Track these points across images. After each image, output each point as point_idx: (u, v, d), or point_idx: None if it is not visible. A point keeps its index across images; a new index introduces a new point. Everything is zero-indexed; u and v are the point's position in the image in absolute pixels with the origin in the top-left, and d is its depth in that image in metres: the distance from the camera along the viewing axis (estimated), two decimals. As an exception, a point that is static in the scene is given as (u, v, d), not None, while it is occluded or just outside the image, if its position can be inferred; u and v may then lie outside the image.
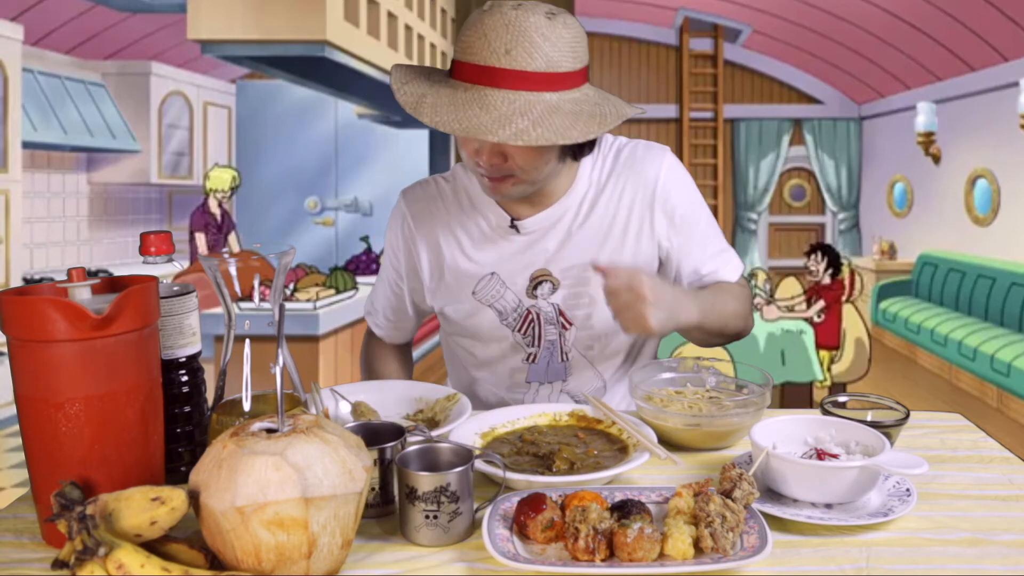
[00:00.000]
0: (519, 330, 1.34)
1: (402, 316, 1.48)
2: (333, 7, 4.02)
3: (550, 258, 1.31)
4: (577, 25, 1.13)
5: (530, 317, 1.33)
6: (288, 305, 3.86)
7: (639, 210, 1.30)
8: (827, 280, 4.95)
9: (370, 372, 1.52)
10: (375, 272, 5.48)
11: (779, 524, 0.87)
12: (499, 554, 0.78)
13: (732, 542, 0.79)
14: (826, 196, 8.85)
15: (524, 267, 1.32)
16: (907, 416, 1.07)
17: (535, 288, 1.32)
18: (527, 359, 1.36)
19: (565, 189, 1.30)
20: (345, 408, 1.19)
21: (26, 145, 5.86)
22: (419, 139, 8.38)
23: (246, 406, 0.89)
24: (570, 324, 1.33)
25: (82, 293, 0.86)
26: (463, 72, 1.12)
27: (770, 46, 8.32)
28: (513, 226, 1.31)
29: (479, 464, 0.95)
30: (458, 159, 1.28)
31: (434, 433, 1.03)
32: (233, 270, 0.87)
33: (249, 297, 0.89)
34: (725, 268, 1.35)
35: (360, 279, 4.92)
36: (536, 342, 1.34)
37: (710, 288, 1.32)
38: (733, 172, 8.89)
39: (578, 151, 1.26)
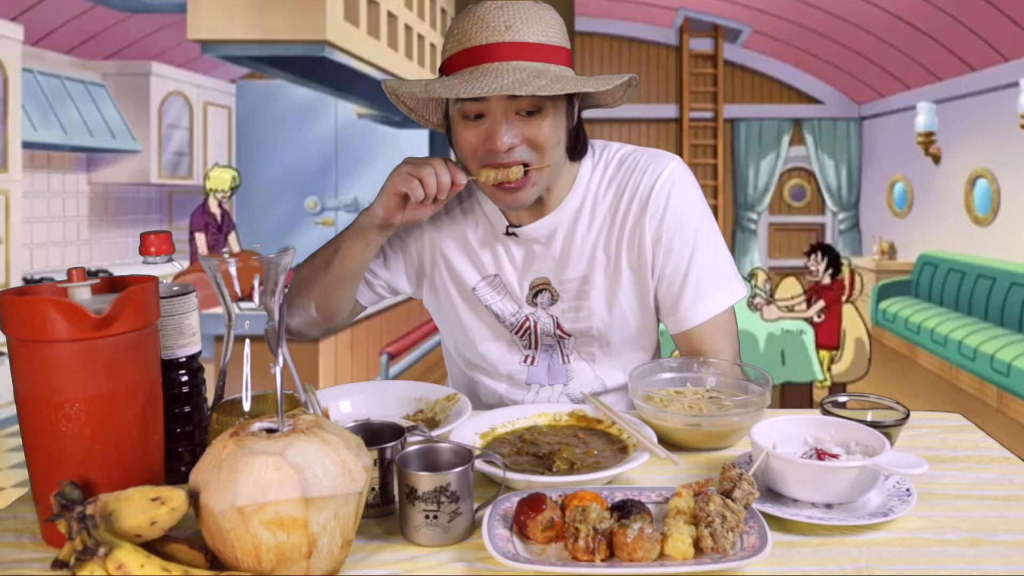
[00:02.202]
0: (516, 333, 1.34)
1: (369, 281, 1.38)
2: (333, 7, 4.02)
3: (550, 268, 1.30)
4: (558, 15, 1.19)
5: (527, 324, 1.33)
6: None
7: (633, 220, 1.27)
8: (827, 280, 4.94)
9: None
10: (375, 272, 5.46)
11: (779, 524, 0.87)
12: (499, 554, 0.78)
13: (732, 542, 0.79)
14: (826, 196, 8.85)
15: (525, 276, 1.31)
16: (907, 416, 1.07)
17: (535, 296, 1.31)
18: (525, 360, 1.35)
19: (563, 196, 1.29)
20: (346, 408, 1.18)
21: (26, 145, 5.85)
22: (419, 139, 8.38)
23: (246, 406, 0.89)
24: (567, 336, 1.33)
25: (82, 293, 0.86)
26: (463, 58, 1.13)
27: (770, 46, 8.32)
28: (510, 232, 1.30)
29: (479, 464, 0.95)
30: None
31: (434, 433, 1.03)
32: (233, 270, 0.87)
33: (249, 297, 0.89)
34: (701, 304, 1.27)
35: (360, 279, 4.90)
36: (533, 346, 1.34)
37: None
38: (733, 172, 8.89)
39: (574, 151, 1.26)
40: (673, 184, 1.26)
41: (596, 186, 1.30)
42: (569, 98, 1.21)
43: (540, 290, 1.31)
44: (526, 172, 1.17)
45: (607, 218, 1.29)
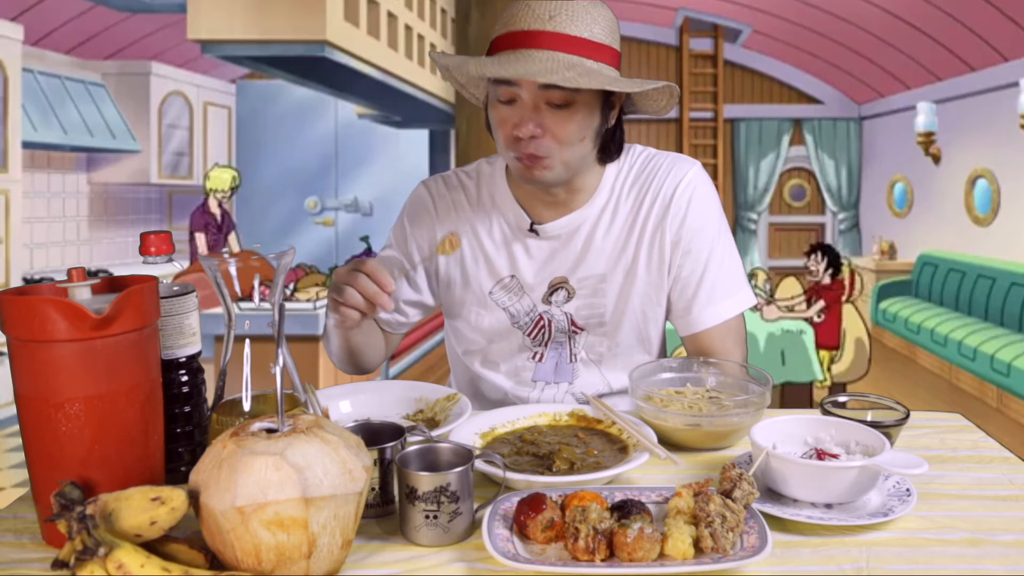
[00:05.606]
0: (529, 334, 1.34)
1: (405, 305, 1.40)
2: (333, 7, 4.03)
3: (568, 267, 1.30)
4: (613, 15, 1.19)
5: (542, 323, 1.33)
6: (288, 305, 3.86)
7: (654, 221, 1.29)
8: (827, 280, 4.95)
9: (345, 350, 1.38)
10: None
11: (779, 524, 0.87)
12: (499, 554, 0.78)
13: (732, 542, 0.79)
14: (826, 196, 8.85)
15: (543, 273, 1.31)
16: (907, 416, 1.07)
17: (551, 295, 1.32)
18: (534, 357, 1.35)
19: (588, 196, 1.29)
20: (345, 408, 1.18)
21: (26, 145, 5.86)
22: (419, 139, 8.39)
23: (246, 406, 0.89)
24: (581, 330, 1.33)
25: (82, 293, 0.86)
26: (505, 41, 1.16)
27: (770, 46, 8.32)
28: (533, 229, 1.30)
29: (479, 464, 0.95)
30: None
31: (434, 433, 1.03)
32: (233, 270, 0.87)
33: (249, 297, 0.89)
34: (714, 308, 1.30)
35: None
36: (545, 343, 1.34)
37: None
38: (733, 172, 8.89)
39: (606, 153, 1.27)
40: (695, 188, 1.29)
41: (620, 186, 1.31)
42: (606, 98, 1.20)
43: (557, 288, 1.31)
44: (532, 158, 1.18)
45: (629, 218, 1.30)
